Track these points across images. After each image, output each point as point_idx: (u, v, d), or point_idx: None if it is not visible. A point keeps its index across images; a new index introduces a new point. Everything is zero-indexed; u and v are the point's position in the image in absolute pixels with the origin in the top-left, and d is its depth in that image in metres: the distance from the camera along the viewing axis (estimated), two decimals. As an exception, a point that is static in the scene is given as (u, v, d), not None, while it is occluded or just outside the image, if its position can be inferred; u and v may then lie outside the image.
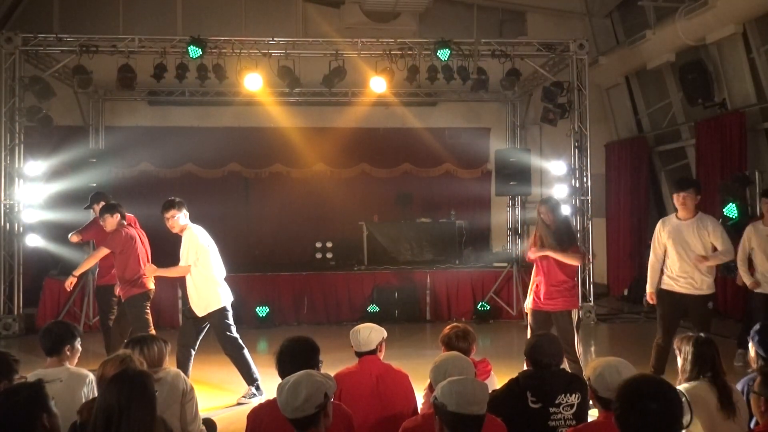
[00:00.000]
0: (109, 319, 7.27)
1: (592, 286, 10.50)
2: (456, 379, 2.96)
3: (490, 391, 3.35)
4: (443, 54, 9.92)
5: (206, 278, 6.36)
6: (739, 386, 3.76)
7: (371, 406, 3.95)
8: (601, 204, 12.89)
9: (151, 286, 6.82)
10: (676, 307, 6.17)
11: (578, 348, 6.16)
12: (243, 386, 6.39)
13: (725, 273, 8.29)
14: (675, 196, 6.20)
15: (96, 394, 3.69)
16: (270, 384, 5.28)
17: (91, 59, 9.80)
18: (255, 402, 5.84)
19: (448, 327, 4.40)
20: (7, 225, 9.78)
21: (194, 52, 9.66)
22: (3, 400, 2.76)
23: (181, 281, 6.84)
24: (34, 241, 9.79)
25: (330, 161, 12.91)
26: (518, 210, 12.86)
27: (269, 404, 3.38)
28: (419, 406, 4.19)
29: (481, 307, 10.50)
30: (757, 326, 4.13)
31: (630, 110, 13.18)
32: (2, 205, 9.75)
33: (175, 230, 6.41)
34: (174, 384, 4.03)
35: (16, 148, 9.85)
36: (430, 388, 3.62)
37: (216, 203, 12.23)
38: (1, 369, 3.59)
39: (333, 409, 3.03)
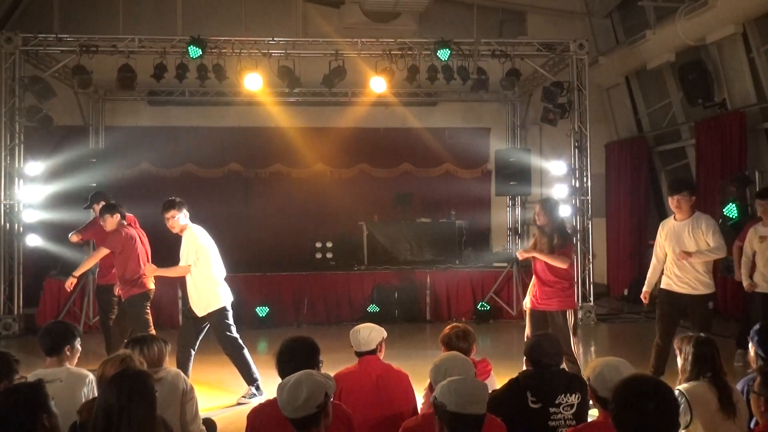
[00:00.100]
0: (110, 318, 7.28)
1: (592, 286, 10.51)
2: (456, 379, 2.96)
3: (490, 391, 3.36)
4: (443, 54, 9.92)
5: (206, 278, 6.37)
6: (738, 386, 3.76)
7: (371, 406, 3.95)
8: (601, 204, 12.89)
9: (151, 286, 6.83)
10: (676, 308, 6.18)
11: (578, 348, 6.17)
12: (243, 386, 6.39)
13: (725, 273, 8.30)
14: (669, 199, 6.27)
15: (96, 394, 3.69)
16: (270, 384, 5.28)
17: (91, 59, 9.80)
18: (255, 402, 5.84)
19: (448, 327, 4.40)
20: (7, 225, 9.78)
21: (194, 52, 9.67)
22: (3, 400, 2.76)
23: (181, 281, 6.85)
24: (34, 241, 9.80)
25: (330, 161, 12.91)
26: (518, 210, 12.87)
27: (269, 404, 3.38)
28: (419, 406, 4.19)
29: (481, 307, 10.50)
30: (756, 326, 4.13)
31: (630, 110, 13.18)
32: (2, 205, 9.75)
33: (175, 230, 6.41)
34: (174, 384, 4.03)
35: (16, 148, 9.86)
36: (430, 388, 3.62)
37: (216, 203, 12.23)
38: (1, 369, 3.59)
39: (333, 409, 3.03)
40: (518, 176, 11.15)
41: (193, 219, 6.54)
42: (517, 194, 12.17)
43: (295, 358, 3.51)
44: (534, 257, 6.00)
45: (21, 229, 9.79)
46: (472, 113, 13.52)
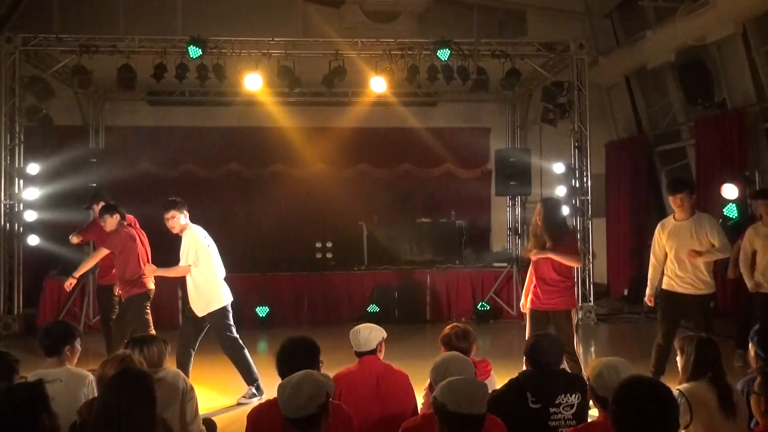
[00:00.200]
0: (110, 318, 7.28)
1: (592, 286, 10.51)
2: (456, 379, 2.97)
3: (490, 391, 3.36)
4: (443, 54, 9.91)
5: (206, 278, 6.37)
6: (738, 386, 3.76)
7: (371, 406, 3.95)
8: (601, 204, 12.88)
9: (151, 286, 6.83)
10: (678, 308, 6.16)
11: (578, 348, 6.16)
12: (243, 386, 6.39)
13: (724, 272, 8.27)
14: (671, 198, 6.21)
15: (96, 394, 3.69)
16: (270, 384, 5.29)
17: (91, 59, 9.79)
18: (255, 402, 5.84)
19: (448, 327, 4.40)
20: (7, 225, 9.78)
21: (194, 52, 9.66)
22: (3, 400, 2.76)
23: (181, 281, 6.85)
24: (34, 241, 9.79)
25: (330, 161, 12.89)
26: (518, 210, 12.86)
27: (269, 404, 3.38)
28: (419, 406, 4.19)
29: (481, 307, 10.50)
30: (756, 326, 4.14)
31: (630, 110, 13.17)
32: (2, 205, 9.76)
33: (175, 230, 6.42)
34: (174, 384, 4.03)
35: (16, 148, 9.87)
36: (430, 388, 3.63)
37: (216, 203, 12.25)
38: (1, 369, 3.59)
39: (333, 409, 3.04)
40: (518, 176, 11.14)
41: (193, 219, 6.54)
42: (517, 194, 12.16)
43: (295, 358, 3.51)
44: (546, 256, 5.86)
45: (21, 229, 9.80)
46: (472, 113, 13.51)
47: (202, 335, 6.48)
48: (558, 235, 5.92)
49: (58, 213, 9.65)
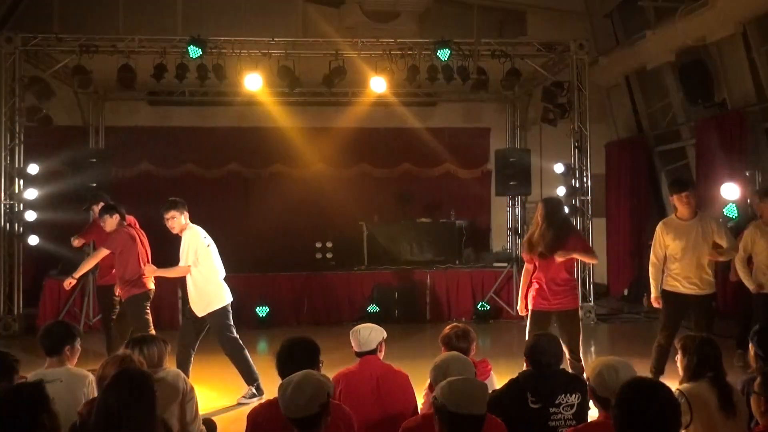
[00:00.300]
0: (111, 319, 7.28)
1: (592, 286, 10.51)
2: (456, 379, 2.97)
3: (490, 391, 3.36)
4: (443, 54, 9.91)
5: (206, 278, 6.37)
6: (738, 386, 3.76)
7: (371, 406, 3.95)
8: (601, 204, 12.87)
9: (151, 286, 6.83)
10: (680, 309, 6.13)
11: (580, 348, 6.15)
12: (243, 386, 6.39)
13: (726, 272, 8.25)
14: (677, 196, 6.10)
15: (96, 394, 3.69)
16: (270, 384, 5.29)
17: (91, 59, 9.78)
18: (255, 402, 5.83)
19: (448, 327, 4.40)
20: (7, 225, 9.78)
21: (194, 52, 9.65)
22: (3, 400, 2.76)
23: (181, 281, 6.85)
24: (34, 241, 9.79)
25: (330, 161, 12.89)
26: (518, 210, 12.85)
27: (269, 404, 3.38)
28: (419, 406, 4.19)
29: (481, 307, 10.50)
30: (756, 327, 4.14)
31: (630, 110, 13.17)
32: (2, 205, 9.75)
33: (175, 231, 6.42)
34: (174, 384, 4.03)
35: (16, 148, 9.86)
36: (430, 388, 3.63)
37: (216, 203, 12.27)
38: (1, 369, 3.59)
39: (333, 409, 3.04)
40: (518, 176, 11.14)
41: (193, 219, 6.54)
42: (517, 194, 12.15)
43: (295, 358, 3.51)
44: (569, 257, 5.81)
45: (21, 229, 9.79)
46: (472, 113, 13.51)
47: (202, 335, 6.49)
48: (565, 233, 5.90)
49: (58, 213, 9.66)
